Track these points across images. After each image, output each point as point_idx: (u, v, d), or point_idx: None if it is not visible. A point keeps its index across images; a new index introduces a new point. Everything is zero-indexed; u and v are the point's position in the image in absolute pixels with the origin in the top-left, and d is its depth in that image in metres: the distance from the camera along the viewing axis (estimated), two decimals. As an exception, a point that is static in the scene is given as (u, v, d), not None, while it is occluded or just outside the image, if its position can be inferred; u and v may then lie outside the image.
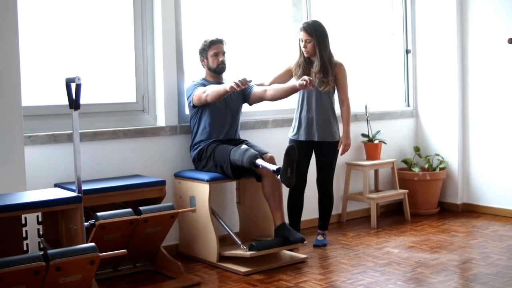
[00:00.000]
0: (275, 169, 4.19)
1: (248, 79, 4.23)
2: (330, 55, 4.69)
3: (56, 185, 4.08)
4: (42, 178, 4.09)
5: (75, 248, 3.11)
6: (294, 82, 4.58)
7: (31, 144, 4.07)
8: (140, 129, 4.59)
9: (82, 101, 4.40)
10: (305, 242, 4.44)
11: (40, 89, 4.32)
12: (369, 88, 6.15)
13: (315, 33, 4.63)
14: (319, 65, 4.63)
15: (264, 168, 4.27)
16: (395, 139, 6.14)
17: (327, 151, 4.82)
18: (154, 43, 4.70)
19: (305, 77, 4.33)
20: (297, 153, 4.19)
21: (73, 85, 3.44)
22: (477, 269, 4.22)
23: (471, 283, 3.95)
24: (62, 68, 4.34)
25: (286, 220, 4.65)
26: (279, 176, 4.20)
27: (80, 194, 3.41)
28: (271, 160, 4.41)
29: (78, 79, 3.39)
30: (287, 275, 4.17)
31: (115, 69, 4.66)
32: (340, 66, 4.73)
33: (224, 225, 4.57)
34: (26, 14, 4.18)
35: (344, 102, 4.82)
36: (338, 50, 5.72)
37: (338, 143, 4.82)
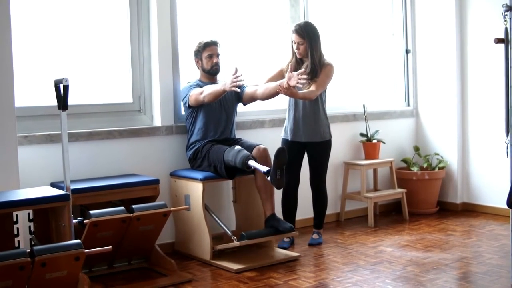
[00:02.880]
0: (265, 170, 4.26)
1: (237, 73, 4.32)
2: (320, 56, 4.72)
3: (52, 184, 4.17)
4: (38, 177, 4.19)
5: (60, 245, 3.20)
6: (279, 82, 4.60)
7: (28, 144, 4.18)
8: (136, 129, 4.68)
9: (80, 101, 4.57)
10: (294, 231, 4.52)
11: (38, 90, 4.41)
12: (369, 88, 6.18)
13: (307, 35, 4.67)
14: (309, 67, 4.66)
15: (255, 169, 4.33)
16: (395, 138, 6.16)
17: (316, 151, 4.86)
18: (150, 44, 4.78)
19: (283, 81, 4.38)
20: (287, 156, 4.26)
21: (61, 87, 3.51)
22: (467, 268, 4.24)
23: (458, 281, 3.97)
24: (60, 69, 4.43)
25: (277, 212, 4.68)
26: (269, 178, 4.26)
27: (67, 193, 3.50)
28: (265, 152, 4.49)
29: (66, 80, 3.48)
30: (278, 273, 4.22)
31: (111, 70, 4.76)
32: (327, 65, 4.72)
33: (217, 220, 4.65)
34: (24, 16, 4.30)
35: (312, 92, 4.59)
36: (337, 50, 5.80)
37: (328, 142, 4.87)
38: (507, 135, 3.81)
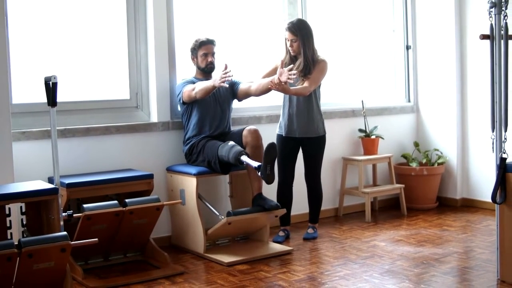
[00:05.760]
0: (256, 166, 4.35)
1: (227, 69, 4.39)
2: (313, 53, 4.77)
3: (49, 179, 4.29)
4: (36, 172, 4.29)
5: (47, 237, 3.31)
6: (271, 77, 4.64)
7: (25, 140, 4.29)
8: (133, 125, 4.77)
9: (78, 98, 4.68)
10: (281, 209, 4.60)
11: (37, 87, 4.49)
12: (369, 84, 6.21)
13: (300, 32, 4.72)
14: (303, 64, 4.72)
15: (247, 164, 4.41)
16: (395, 134, 6.19)
17: (311, 146, 4.92)
18: (147, 42, 4.87)
19: (275, 77, 4.46)
20: (277, 151, 4.37)
21: (50, 84, 3.62)
22: (456, 262, 4.27)
23: (445, 275, 4.00)
24: (58, 66, 4.55)
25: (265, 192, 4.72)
26: (259, 173, 4.34)
27: (56, 186, 3.60)
28: (256, 132, 4.60)
29: (54, 78, 3.59)
30: (268, 266, 4.30)
31: (109, 67, 4.85)
32: (320, 62, 4.78)
33: (208, 204, 4.74)
34: (21, 12, 4.40)
35: (305, 88, 4.65)
36: (337, 46, 5.84)
37: (322, 138, 4.92)
38: (493, 131, 3.84)
